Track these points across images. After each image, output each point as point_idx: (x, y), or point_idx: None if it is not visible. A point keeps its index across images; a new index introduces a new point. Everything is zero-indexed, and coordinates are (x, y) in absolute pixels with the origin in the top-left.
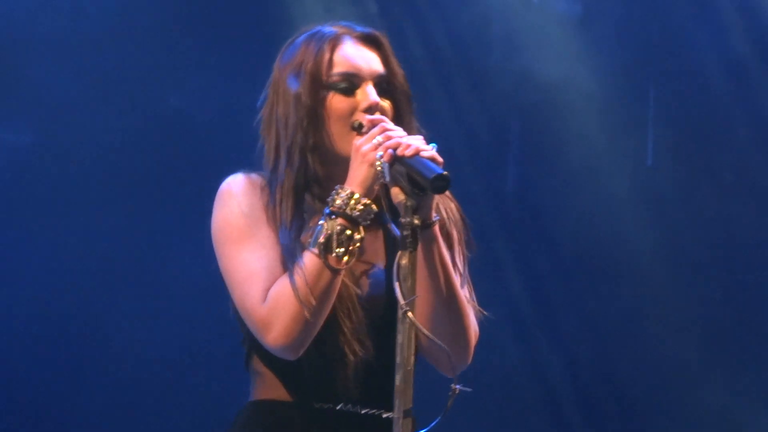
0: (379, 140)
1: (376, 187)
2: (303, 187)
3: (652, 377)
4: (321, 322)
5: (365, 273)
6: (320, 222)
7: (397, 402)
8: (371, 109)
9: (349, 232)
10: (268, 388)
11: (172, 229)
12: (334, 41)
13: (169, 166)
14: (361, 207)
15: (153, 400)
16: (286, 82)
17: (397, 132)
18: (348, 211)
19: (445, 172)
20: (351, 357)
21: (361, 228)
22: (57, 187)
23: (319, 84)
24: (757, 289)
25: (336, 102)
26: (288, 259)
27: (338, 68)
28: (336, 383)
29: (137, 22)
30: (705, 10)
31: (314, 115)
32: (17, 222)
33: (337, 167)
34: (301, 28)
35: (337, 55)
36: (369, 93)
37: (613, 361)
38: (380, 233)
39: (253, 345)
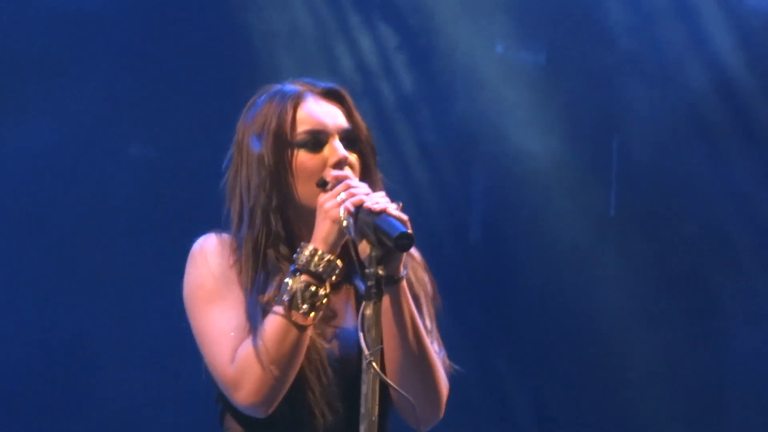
0: (343, 197)
1: (344, 241)
2: (264, 247)
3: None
4: (290, 379)
5: (336, 333)
6: (286, 280)
7: None
8: (340, 163)
9: (313, 288)
10: None
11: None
12: (297, 99)
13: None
14: (325, 263)
15: None
16: (249, 143)
17: (362, 188)
18: (312, 267)
19: (408, 231)
20: (320, 419)
21: (326, 284)
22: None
23: (284, 143)
24: (720, 338)
25: (304, 160)
26: (251, 321)
27: (303, 126)
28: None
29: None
30: (661, 61)
31: (278, 175)
32: None
33: (307, 224)
34: (263, 87)
35: (301, 113)
36: (337, 148)
37: (582, 408)
38: (351, 293)
39: (226, 403)
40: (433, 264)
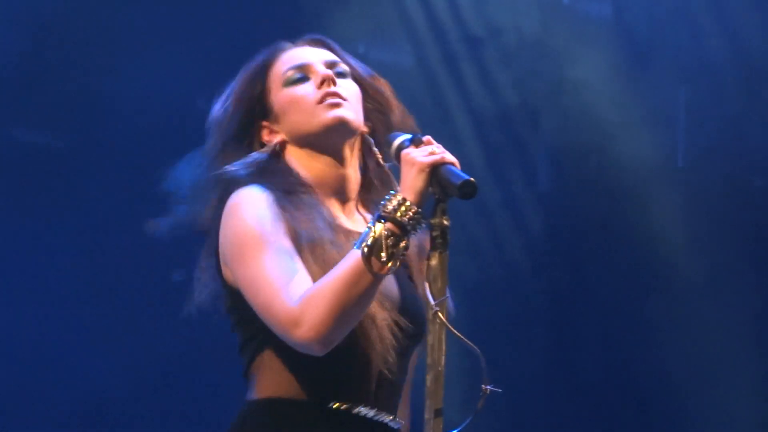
0: (434, 150)
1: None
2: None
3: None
4: (352, 324)
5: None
6: (369, 225)
7: (428, 402)
8: (324, 81)
9: (396, 238)
10: (278, 386)
11: None
12: (280, 50)
13: None
14: (412, 214)
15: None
16: (232, 96)
17: (441, 147)
18: (398, 216)
19: (472, 179)
20: (375, 361)
21: (408, 236)
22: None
23: (271, 88)
24: None
25: (294, 92)
26: (328, 255)
27: (286, 65)
28: (355, 385)
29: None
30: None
31: (267, 116)
32: None
33: (320, 153)
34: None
35: (285, 57)
36: (318, 69)
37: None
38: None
39: (266, 342)
40: (499, 210)
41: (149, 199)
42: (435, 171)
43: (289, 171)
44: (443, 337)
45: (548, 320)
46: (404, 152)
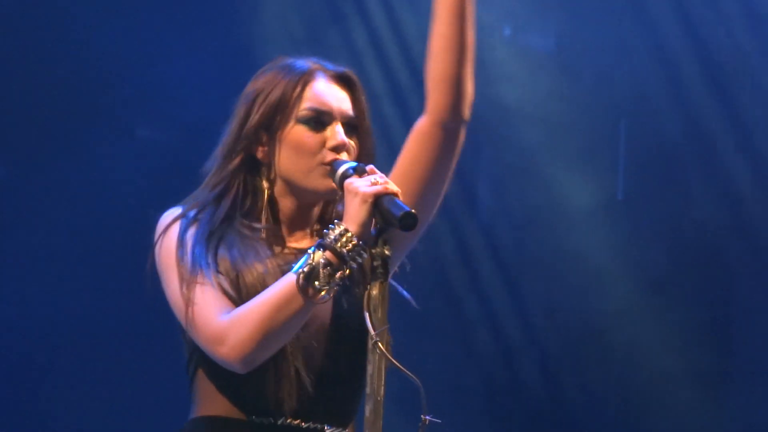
0: (377, 180)
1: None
2: (227, 207)
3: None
4: (276, 347)
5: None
6: (308, 251)
7: None
8: (338, 148)
9: (333, 268)
10: (210, 404)
11: None
12: (308, 75)
13: None
14: (352, 246)
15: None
16: (243, 105)
17: (384, 177)
18: (338, 246)
19: (413, 210)
20: (293, 372)
21: (346, 267)
22: None
23: (286, 114)
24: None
25: (302, 135)
26: (264, 278)
27: (309, 103)
28: (277, 398)
29: None
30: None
31: (261, 139)
32: None
33: (284, 197)
34: (276, 58)
35: (310, 90)
36: (338, 132)
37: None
38: None
39: (200, 360)
40: (436, 251)
41: None
42: (377, 201)
43: (246, 199)
44: (383, 366)
45: (490, 352)
46: (348, 181)
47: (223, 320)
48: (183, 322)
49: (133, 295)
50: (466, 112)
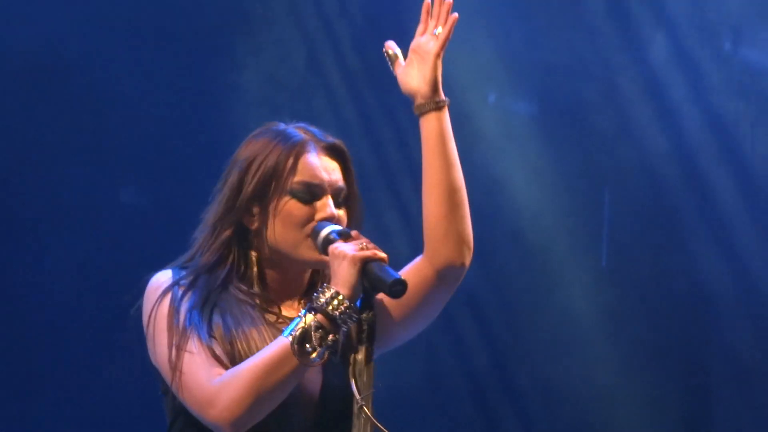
0: (364, 246)
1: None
2: (218, 276)
3: None
4: (267, 410)
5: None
6: (299, 314)
7: None
8: (327, 220)
9: (325, 331)
10: None
11: None
12: (300, 147)
13: None
14: (343, 308)
15: None
16: (235, 174)
17: (371, 243)
18: (330, 310)
19: (402, 278)
20: None
21: (338, 330)
22: None
23: (277, 186)
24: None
25: (293, 208)
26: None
27: (301, 176)
28: None
29: None
30: (659, 106)
31: (253, 210)
32: None
33: (273, 267)
34: (265, 124)
35: (301, 163)
36: (329, 205)
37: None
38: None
39: (183, 426)
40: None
41: None
42: (365, 267)
43: (240, 267)
44: (368, 430)
45: (470, 410)
46: (333, 246)
47: (215, 383)
48: (172, 385)
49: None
50: (467, 260)
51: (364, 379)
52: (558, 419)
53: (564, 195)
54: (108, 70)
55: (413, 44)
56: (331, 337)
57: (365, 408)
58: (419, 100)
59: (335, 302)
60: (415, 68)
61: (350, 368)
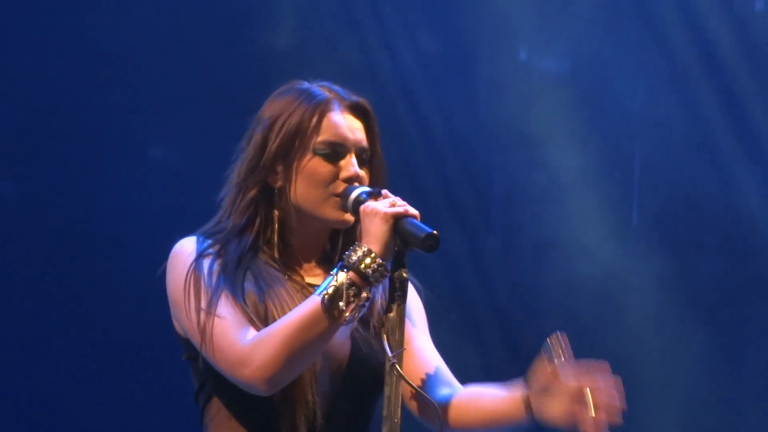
0: (395, 202)
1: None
2: (248, 238)
3: None
4: (300, 368)
5: None
6: (331, 273)
7: None
8: (351, 179)
9: (357, 288)
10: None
11: None
12: (325, 106)
13: None
14: (376, 266)
15: None
16: (260, 132)
17: (401, 200)
18: (362, 267)
19: (434, 231)
20: (308, 403)
21: (370, 288)
22: None
23: (301, 144)
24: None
25: (317, 166)
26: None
27: (325, 135)
28: (291, 429)
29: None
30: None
31: (278, 167)
32: None
33: (297, 226)
34: (291, 82)
35: (326, 121)
36: (352, 164)
37: None
38: None
39: (213, 389)
40: (448, 271)
41: None
42: (396, 223)
43: (267, 229)
44: (400, 389)
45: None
46: (365, 205)
47: (247, 343)
48: (202, 349)
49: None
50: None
51: (396, 337)
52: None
53: (596, 151)
54: None
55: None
56: (363, 294)
57: (397, 366)
58: (541, 417)
59: (368, 260)
60: (555, 401)
61: (383, 326)
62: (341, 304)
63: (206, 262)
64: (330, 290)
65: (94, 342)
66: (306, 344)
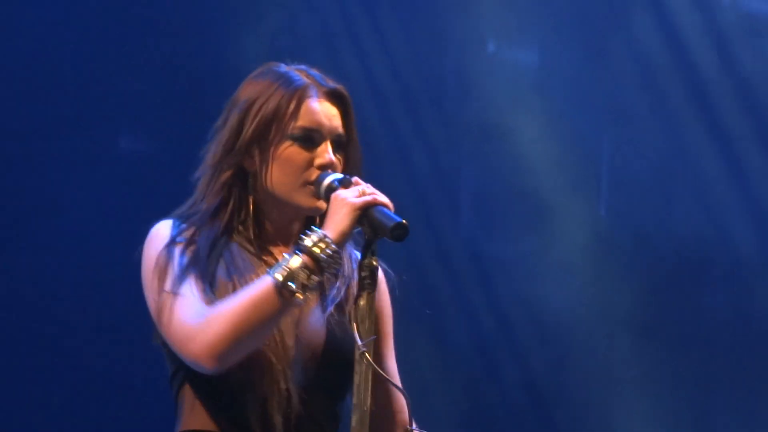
0: (364, 190)
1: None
2: (220, 221)
3: None
4: (249, 347)
5: (300, 310)
6: (285, 255)
7: None
8: (325, 167)
9: (309, 272)
10: (195, 419)
11: None
12: (302, 92)
13: None
14: (330, 252)
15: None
16: (235, 115)
17: (371, 188)
18: (316, 252)
19: (404, 221)
20: (281, 392)
21: (322, 273)
22: None
23: (277, 129)
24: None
25: (292, 152)
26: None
27: (302, 121)
28: (264, 414)
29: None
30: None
31: (253, 152)
32: None
33: (270, 211)
34: (266, 64)
35: (303, 108)
36: (327, 151)
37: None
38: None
39: (185, 375)
40: (420, 261)
41: None
42: (366, 212)
43: (241, 212)
44: (369, 377)
45: (474, 368)
46: (336, 193)
47: (197, 320)
48: (159, 327)
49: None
50: None
51: (366, 325)
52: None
53: (565, 142)
54: None
55: None
56: (315, 278)
57: (367, 354)
58: None
59: (322, 245)
60: None
61: (352, 314)
62: (292, 285)
63: (178, 249)
64: (282, 271)
65: (59, 336)
66: (255, 323)
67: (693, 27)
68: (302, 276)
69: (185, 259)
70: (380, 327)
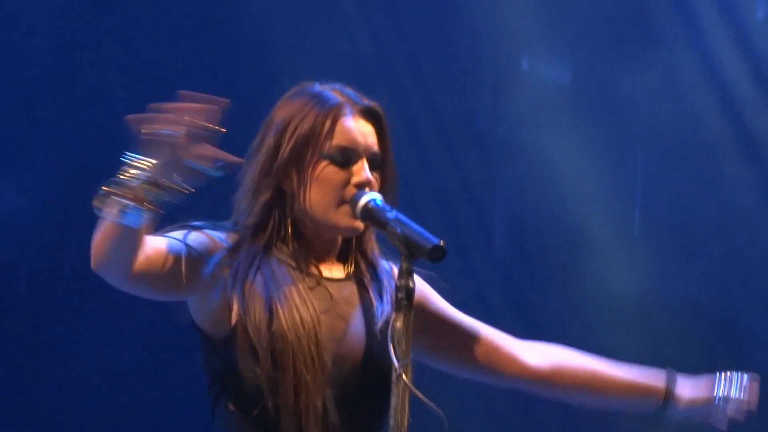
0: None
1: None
2: (262, 239)
3: None
4: (117, 256)
5: (341, 325)
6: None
7: None
8: (362, 185)
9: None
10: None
11: None
12: (337, 111)
13: None
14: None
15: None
16: (272, 136)
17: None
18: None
19: (441, 242)
20: (316, 410)
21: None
22: None
23: (313, 149)
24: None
25: (328, 172)
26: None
27: (337, 140)
28: (302, 429)
29: None
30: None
31: (291, 172)
32: None
33: (308, 229)
34: (300, 83)
35: (338, 126)
36: (363, 170)
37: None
38: (354, 288)
39: (222, 388)
40: (457, 276)
41: None
42: (405, 233)
43: (281, 230)
44: (407, 399)
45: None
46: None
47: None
48: None
49: None
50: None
51: (403, 346)
52: None
53: (599, 162)
54: None
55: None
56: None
57: (404, 375)
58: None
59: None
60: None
61: (389, 334)
62: (113, 197)
63: (217, 255)
64: (111, 186)
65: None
66: (104, 234)
67: (724, 41)
68: (119, 192)
69: (192, 235)
70: (435, 307)
